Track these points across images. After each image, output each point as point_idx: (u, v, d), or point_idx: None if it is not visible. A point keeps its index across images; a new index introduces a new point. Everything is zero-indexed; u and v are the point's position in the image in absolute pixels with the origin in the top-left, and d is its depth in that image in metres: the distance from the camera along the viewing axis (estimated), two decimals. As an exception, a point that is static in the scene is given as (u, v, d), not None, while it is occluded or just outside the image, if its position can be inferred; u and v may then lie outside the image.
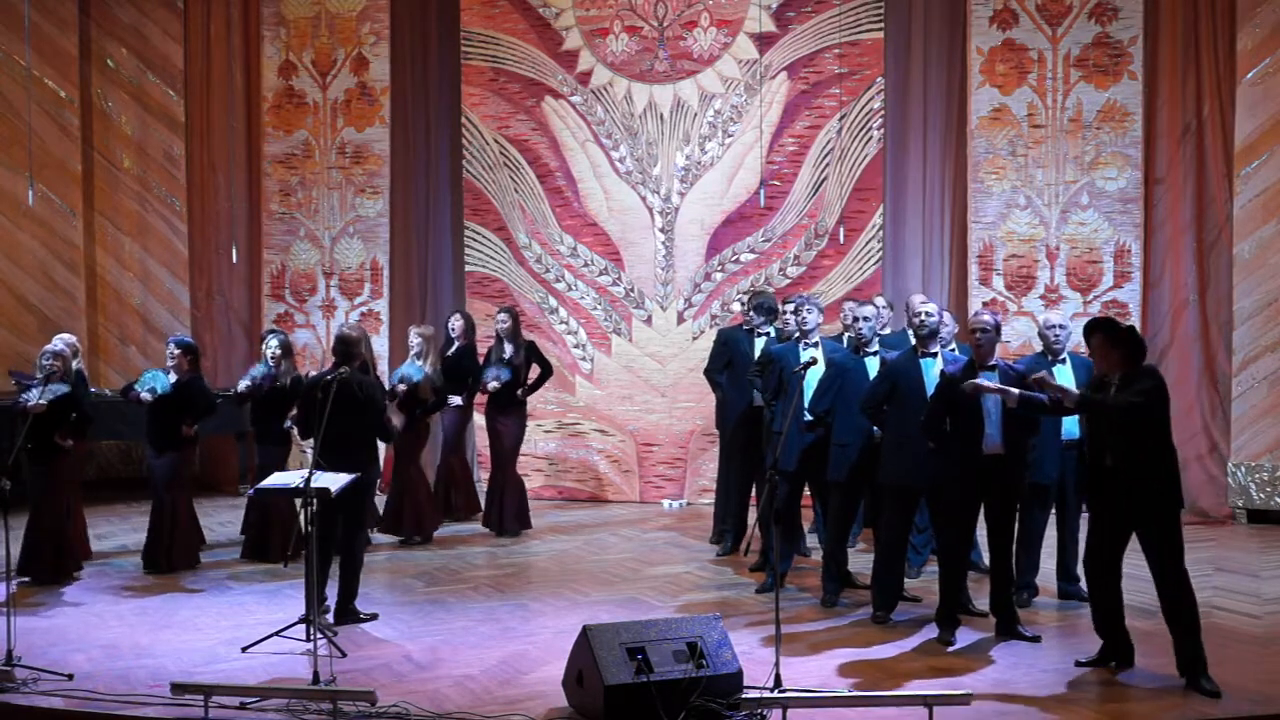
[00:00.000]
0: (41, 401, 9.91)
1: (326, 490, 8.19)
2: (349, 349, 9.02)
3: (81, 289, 14.72)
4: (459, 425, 12.29)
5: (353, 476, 8.48)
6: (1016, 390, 7.96)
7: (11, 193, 14.47)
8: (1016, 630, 8.32)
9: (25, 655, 7.86)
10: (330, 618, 8.84)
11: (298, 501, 8.79)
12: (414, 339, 11.65)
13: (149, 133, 14.92)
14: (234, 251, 14.44)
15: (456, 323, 12.26)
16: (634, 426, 13.74)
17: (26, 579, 10.04)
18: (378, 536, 11.52)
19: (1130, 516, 7.40)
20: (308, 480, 8.09)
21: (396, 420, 10.80)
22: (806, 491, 9.81)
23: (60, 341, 10.59)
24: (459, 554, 11.17)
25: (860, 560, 9.92)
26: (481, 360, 12.16)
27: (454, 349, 12.15)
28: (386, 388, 11.47)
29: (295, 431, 10.36)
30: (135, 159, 14.96)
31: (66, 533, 10.24)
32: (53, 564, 10.10)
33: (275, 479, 8.72)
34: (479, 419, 13.18)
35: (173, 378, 10.55)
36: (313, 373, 10.85)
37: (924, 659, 7.99)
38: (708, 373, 11.16)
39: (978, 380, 8.01)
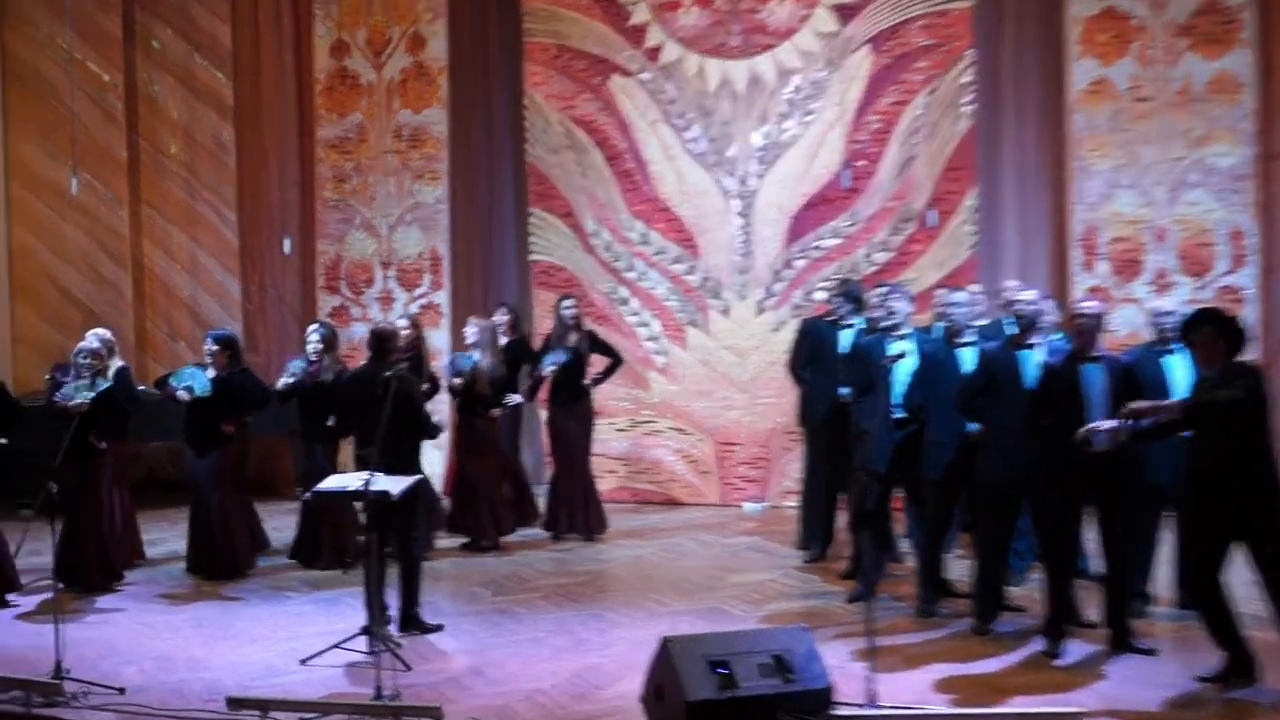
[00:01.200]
0: (82, 400, 9.97)
1: (388, 494, 8.21)
2: (385, 344, 9.09)
3: (128, 282, 14.83)
4: (512, 425, 12.25)
5: (415, 479, 8.51)
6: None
7: (54, 182, 14.60)
8: (1130, 643, 8.21)
9: (74, 668, 7.92)
10: (395, 628, 8.84)
11: (355, 505, 8.84)
12: (471, 331, 11.65)
13: (197, 117, 15.01)
14: (286, 241, 14.49)
15: (501, 317, 12.24)
16: (712, 424, 13.67)
17: (61, 586, 10.10)
18: (440, 541, 11.53)
19: (1235, 521, 7.28)
20: (368, 483, 8.09)
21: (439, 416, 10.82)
22: (898, 493, 9.72)
23: (95, 339, 10.65)
24: (527, 560, 11.16)
25: (958, 567, 9.81)
26: (540, 349, 12.16)
27: (504, 345, 12.12)
28: (445, 382, 11.49)
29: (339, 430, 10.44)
30: (182, 145, 15.04)
31: (105, 538, 10.29)
32: (91, 570, 10.16)
33: (333, 481, 8.76)
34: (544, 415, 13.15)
35: (212, 374, 10.58)
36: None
37: (1029, 674, 7.91)
38: (790, 367, 11.11)
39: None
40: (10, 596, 9.97)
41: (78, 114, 14.41)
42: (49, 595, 9.96)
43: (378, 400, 8.46)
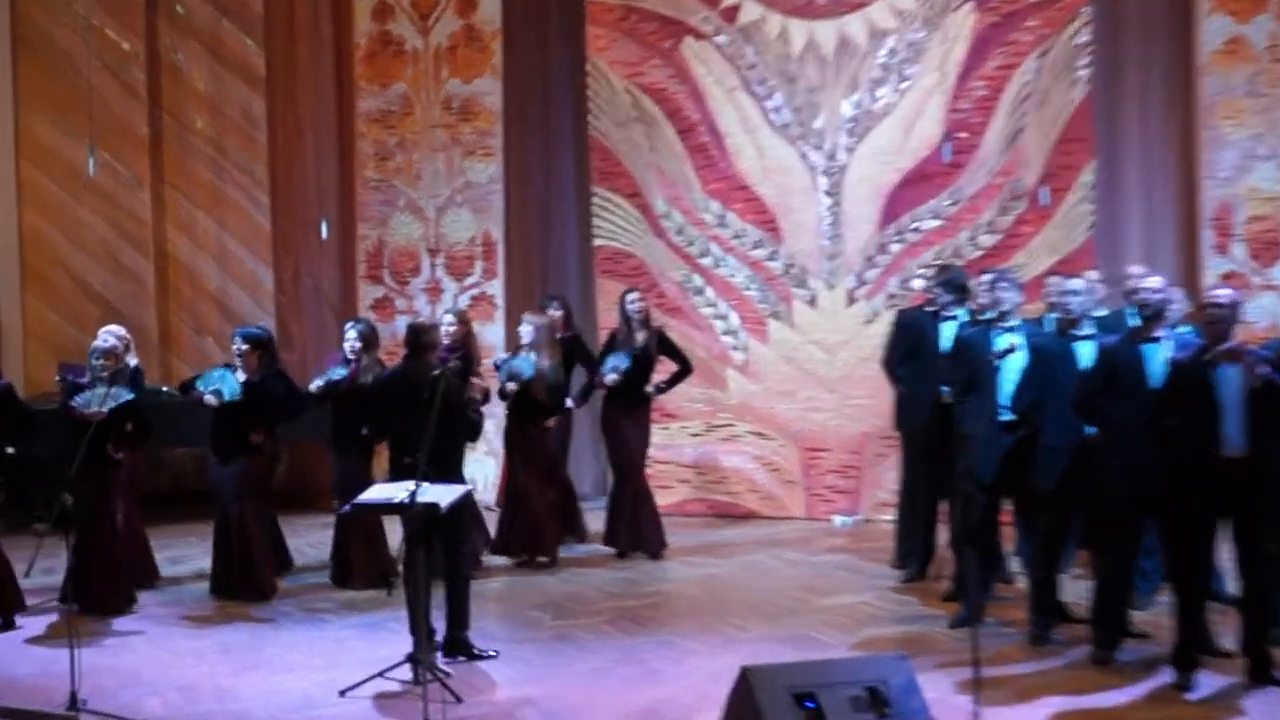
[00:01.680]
0: (102, 409, 10.04)
1: (436, 506, 8.22)
2: (422, 340, 9.15)
3: (150, 271, 14.95)
4: (562, 431, 12.24)
5: (464, 489, 8.52)
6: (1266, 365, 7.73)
7: (70, 161, 14.74)
8: (1271, 674, 8.12)
9: (91, 698, 7.96)
10: (442, 655, 8.86)
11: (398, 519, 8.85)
12: (526, 328, 11.64)
13: (225, 89, 15.11)
14: (324, 226, 14.56)
15: (554, 312, 12.24)
16: (797, 428, 13.63)
17: (74, 608, 10.20)
18: (489, 559, 11.56)
19: None
20: (414, 494, 8.10)
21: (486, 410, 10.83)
22: (1007, 505, 9.65)
23: (111, 336, 10.72)
24: (590, 580, 11.17)
25: (1075, 588, 9.72)
26: (601, 349, 12.15)
27: (562, 339, 12.13)
28: (497, 385, 11.50)
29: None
30: (209, 120, 15.15)
31: (119, 555, 10.37)
32: (107, 590, 10.24)
33: (376, 492, 8.77)
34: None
35: (241, 377, 10.63)
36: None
37: (1156, 709, 7.85)
38: (885, 364, 11.07)
39: (1228, 345, 7.79)
40: (17, 618, 10.04)
41: (95, 86, 14.53)
42: (59, 617, 10.08)
43: (423, 402, 8.47)
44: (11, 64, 14.89)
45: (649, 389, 11.92)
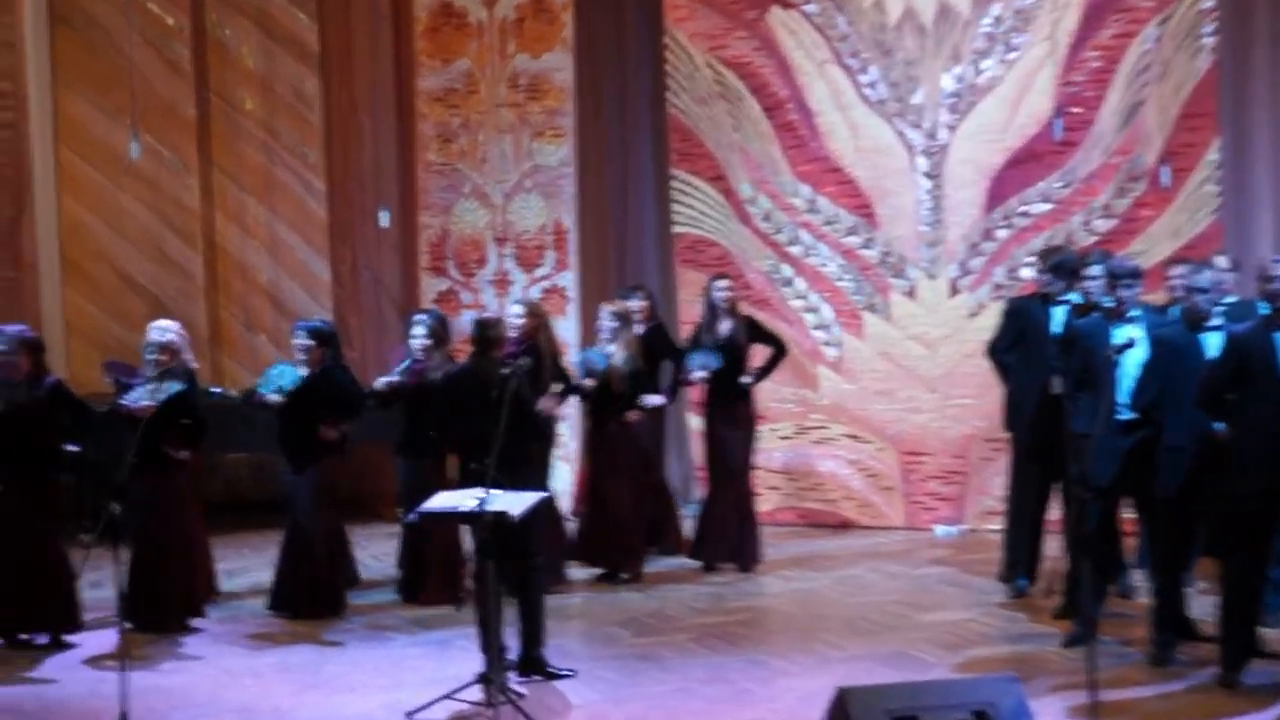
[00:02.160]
0: (150, 403, 10.19)
1: (507, 514, 8.29)
2: (489, 335, 9.26)
3: (198, 263, 15.14)
4: (653, 431, 12.31)
5: (539, 497, 8.57)
6: None
7: (110, 145, 14.94)
8: None
9: (142, 720, 8.10)
10: (515, 674, 8.94)
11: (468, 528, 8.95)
12: (605, 319, 11.70)
13: (276, 66, 15.25)
14: (383, 214, 14.66)
15: (635, 302, 12.30)
16: (895, 430, 13.65)
17: (130, 626, 10.35)
18: (571, 571, 11.64)
19: None
20: (483, 502, 8.18)
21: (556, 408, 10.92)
22: (1127, 512, 9.65)
23: (171, 331, 10.84)
24: (674, 595, 11.23)
25: (1202, 603, 9.69)
26: (689, 342, 12.21)
27: (640, 335, 12.17)
28: (574, 380, 11.56)
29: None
30: (260, 100, 15.30)
31: (179, 568, 10.50)
32: (165, 606, 10.38)
33: (442, 500, 8.82)
34: (698, 423, 13.20)
35: (304, 371, 10.76)
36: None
37: (1290, 735, 7.80)
38: (992, 351, 10.97)
39: None
40: (71, 637, 10.18)
41: (137, 64, 14.69)
42: (116, 634, 10.24)
43: (491, 403, 8.54)
44: (49, 41, 15.09)
45: (744, 380, 11.95)
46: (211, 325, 15.08)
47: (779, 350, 12.17)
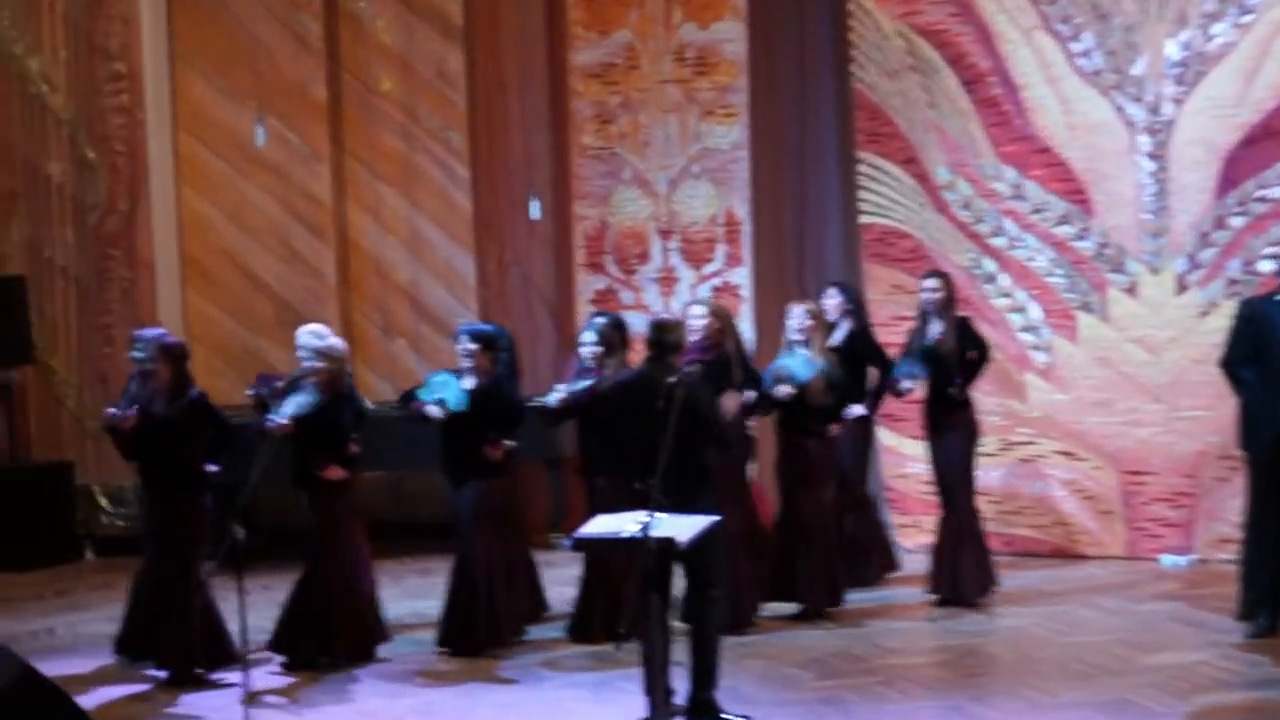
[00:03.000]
0: (284, 421, 10.35)
1: (673, 541, 8.30)
2: (666, 339, 9.27)
3: (330, 261, 15.36)
4: (858, 445, 12.29)
5: (711, 521, 8.57)
6: None
7: (234, 130, 15.20)
8: None
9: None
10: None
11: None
12: (796, 318, 11.67)
13: (416, 42, 15.43)
14: (534, 204, 14.77)
15: (830, 300, 12.28)
16: (1115, 446, 13.55)
17: (285, 660, 10.55)
18: (765, 608, 11.68)
19: None
20: (647, 527, 8.20)
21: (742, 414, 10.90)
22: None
23: (331, 338, 10.99)
24: (867, 633, 11.24)
25: None
26: (903, 348, 12.17)
27: (839, 336, 12.15)
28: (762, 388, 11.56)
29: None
30: (398, 79, 15.48)
31: (352, 599, 10.66)
32: (341, 641, 10.58)
33: (601, 524, 8.86)
34: (887, 437, 13.19)
35: (468, 383, 10.86)
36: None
37: None
38: (1224, 364, 10.90)
39: None
40: (218, 674, 10.38)
41: (263, 41, 14.93)
42: (276, 670, 10.52)
43: (658, 415, 8.56)
44: (166, 17, 15.40)
45: (952, 391, 11.86)
46: (344, 329, 15.16)
47: (982, 356, 12.08)
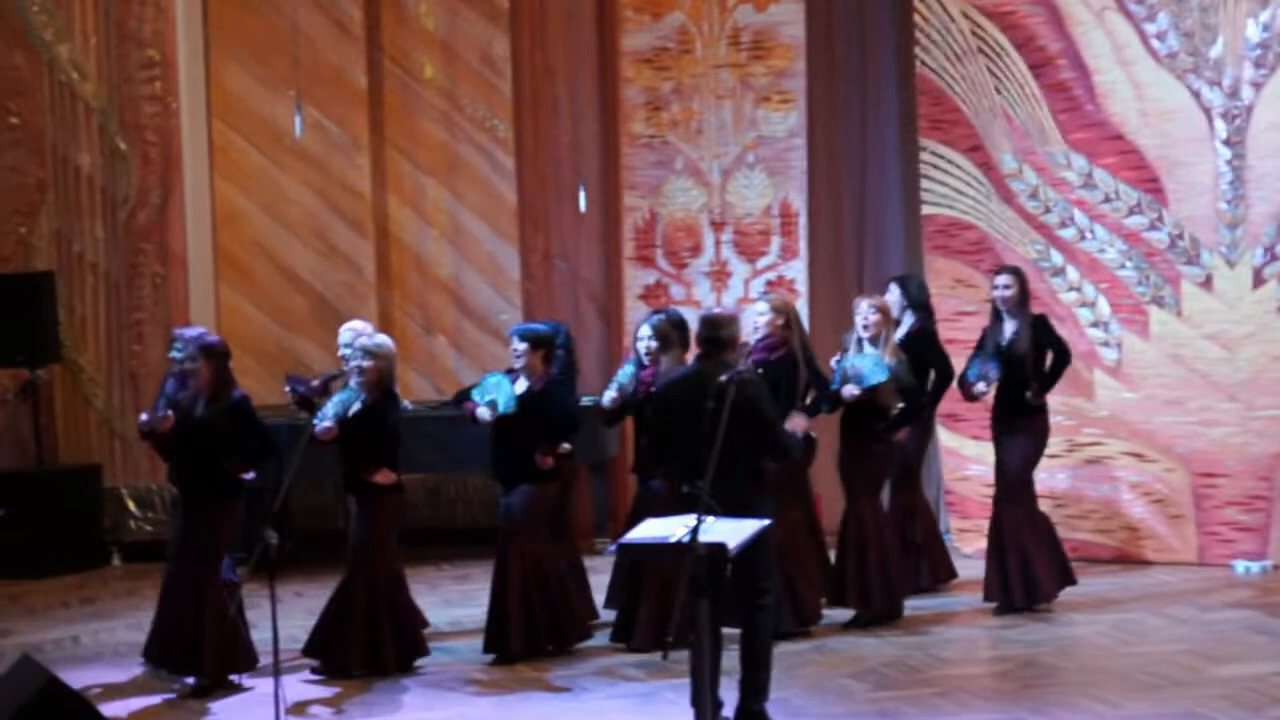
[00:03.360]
0: (329, 424, 10.45)
1: (723, 546, 8.34)
2: (719, 335, 9.26)
3: (369, 255, 15.43)
4: (916, 448, 12.32)
5: (760, 525, 8.60)
6: None
7: (271, 119, 15.29)
8: None
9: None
10: (730, 733, 9.03)
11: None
12: (864, 314, 11.64)
13: (460, 26, 15.48)
14: (582, 195, 14.81)
15: (892, 296, 12.25)
16: (1188, 448, 13.52)
17: (319, 665, 10.66)
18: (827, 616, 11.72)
19: None
20: (695, 531, 8.24)
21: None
22: None
23: (380, 337, 11.09)
24: (923, 641, 11.25)
25: None
26: (975, 347, 12.18)
27: (899, 333, 12.15)
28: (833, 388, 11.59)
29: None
30: (441, 65, 15.53)
31: (385, 606, 10.75)
32: (361, 648, 10.66)
33: (648, 529, 8.88)
34: (948, 438, 13.22)
35: (521, 385, 10.94)
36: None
37: None
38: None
39: None
40: (240, 678, 10.49)
41: (301, 26, 14.99)
42: (310, 678, 10.64)
43: (709, 415, 8.60)
44: (201, 1, 15.46)
45: (1029, 396, 11.84)
46: (383, 326, 15.12)
47: (1061, 359, 11.96)
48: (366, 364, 10.65)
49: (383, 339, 10.98)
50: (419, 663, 10.90)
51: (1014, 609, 11.82)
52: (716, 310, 9.53)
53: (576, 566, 11.85)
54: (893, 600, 11.73)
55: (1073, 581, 12.06)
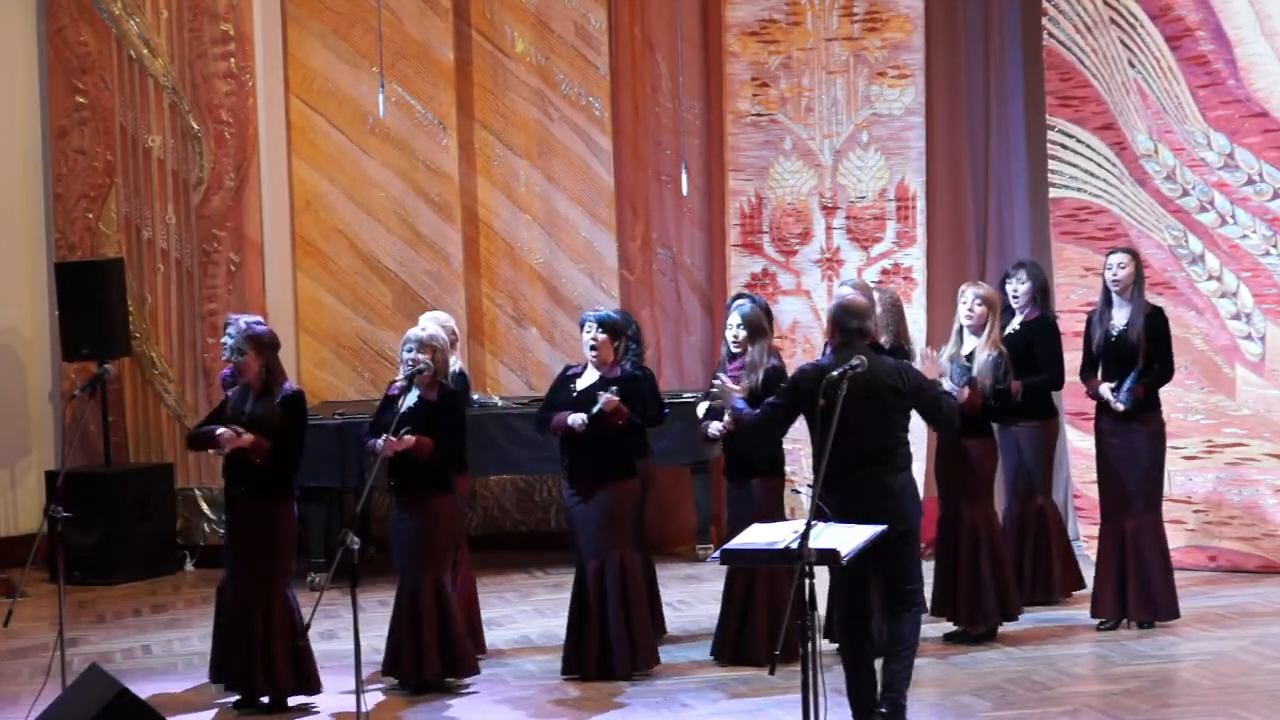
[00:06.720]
0: (392, 437, 10.45)
1: (835, 554, 8.31)
2: (851, 325, 9.18)
3: (457, 243, 15.46)
4: (1038, 447, 12.23)
5: (875, 531, 8.54)
6: None
7: (353, 99, 15.36)
8: None
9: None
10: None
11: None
12: (969, 304, 11.59)
13: (552, -2, 15.53)
14: (684, 178, 14.81)
15: (1021, 285, 12.13)
16: (1337, 449, 13.44)
17: (393, 681, 10.66)
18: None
19: None
20: (805, 535, 8.21)
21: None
22: None
23: (433, 323, 11.11)
24: (1049, 656, 11.19)
25: None
26: (1084, 337, 12.10)
27: (1013, 325, 12.05)
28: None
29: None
30: (533, 39, 15.56)
31: (452, 619, 10.76)
32: (429, 660, 10.66)
33: (753, 535, 8.86)
34: (1075, 438, 13.14)
35: (592, 375, 10.92)
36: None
37: None
38: None
39: None
40: (305, 699, 10.54)
41: (385, 1, 15.04)
42: (380, 695, 10.66)
43: (858, 411, 8.57)
44: (279, -28, 15.60)
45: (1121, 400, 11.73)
46: (472, 317, 15.34)
47: (1164, 371, 11.75)
48: (420, 357, 10.55)
49: (436, 330, 10.90)
50: (499, 674, 10.94)
51: (1139, 623, 11.75)
52: (852, 297, 9.37)
53: (651, 575, 11.82)
54: (1002, 611, 11.61)
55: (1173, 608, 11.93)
